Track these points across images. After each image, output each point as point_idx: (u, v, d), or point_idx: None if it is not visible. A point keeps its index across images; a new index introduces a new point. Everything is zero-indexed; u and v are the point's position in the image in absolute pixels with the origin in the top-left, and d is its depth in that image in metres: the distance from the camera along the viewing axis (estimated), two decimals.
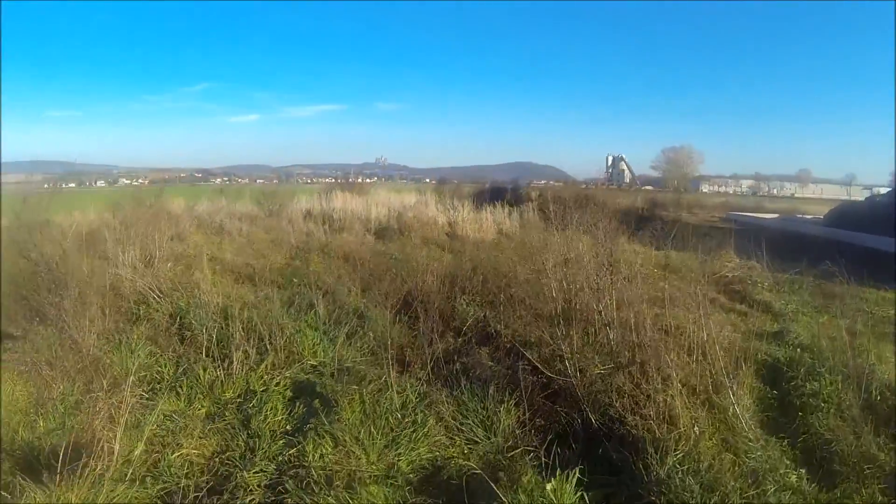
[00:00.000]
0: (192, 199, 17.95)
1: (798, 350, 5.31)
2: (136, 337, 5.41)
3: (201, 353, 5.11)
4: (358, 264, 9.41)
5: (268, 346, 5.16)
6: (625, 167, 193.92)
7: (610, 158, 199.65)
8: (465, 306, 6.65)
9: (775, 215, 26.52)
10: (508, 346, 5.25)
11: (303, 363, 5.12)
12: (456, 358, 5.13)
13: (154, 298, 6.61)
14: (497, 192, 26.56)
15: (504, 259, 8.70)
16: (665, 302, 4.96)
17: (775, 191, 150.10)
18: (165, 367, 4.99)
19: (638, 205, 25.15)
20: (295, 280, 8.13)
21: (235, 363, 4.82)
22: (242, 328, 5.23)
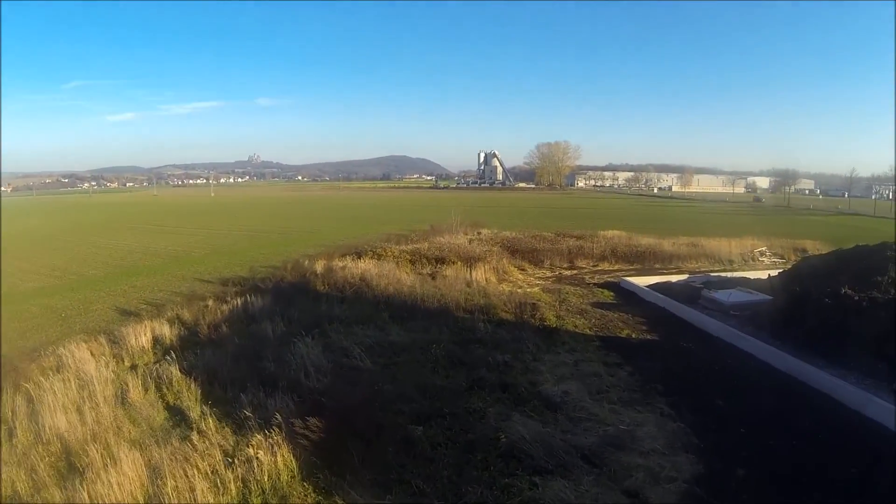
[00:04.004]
0: None
1: None
2: None
3: None
4: None
5: None
6: (497, 163, 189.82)
7: (482, 155, 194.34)
8: None
9: (683, 277, 19.18)
10: None
11: None
12: None
13: None
14: (287, 295, 15.80)
15: None
16: None
17: (655, 188, 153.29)
18: None
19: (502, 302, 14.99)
20: None
21: None
22: None
